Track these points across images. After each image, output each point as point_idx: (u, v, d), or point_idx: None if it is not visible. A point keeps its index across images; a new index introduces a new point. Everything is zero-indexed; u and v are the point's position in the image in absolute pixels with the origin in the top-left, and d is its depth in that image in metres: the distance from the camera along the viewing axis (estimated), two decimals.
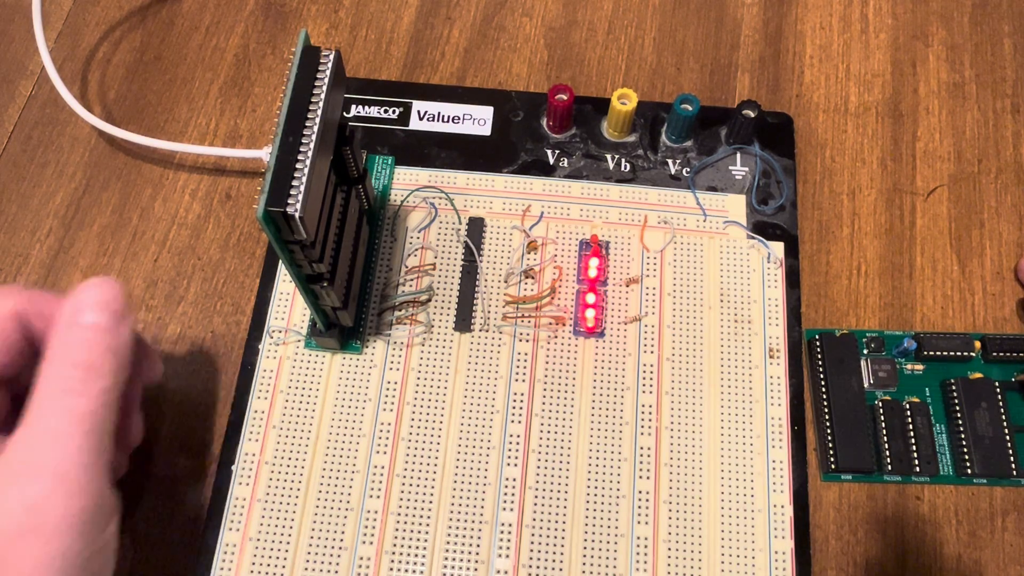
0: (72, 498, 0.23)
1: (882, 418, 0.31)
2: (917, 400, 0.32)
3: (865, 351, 0.33)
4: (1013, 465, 0.30)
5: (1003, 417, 0.31)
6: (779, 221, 0.35)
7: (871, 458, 0.30)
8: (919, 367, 0.32)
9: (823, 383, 0.32)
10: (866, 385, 0.32)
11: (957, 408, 0.31)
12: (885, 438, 0.31)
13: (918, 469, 0.31)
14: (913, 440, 0.31)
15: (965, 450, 0.31)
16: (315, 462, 0.30)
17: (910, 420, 0.31)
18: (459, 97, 0.37)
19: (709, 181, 0.36)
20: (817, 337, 0.33)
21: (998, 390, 0.31)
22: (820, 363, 0.32)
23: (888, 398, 0.32)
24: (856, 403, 0.31)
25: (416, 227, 0.34)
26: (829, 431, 0.31)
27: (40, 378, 0.24)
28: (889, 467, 0.31)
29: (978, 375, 0.32)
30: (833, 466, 0.31)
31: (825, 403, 0.31)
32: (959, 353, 0.32)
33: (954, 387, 0.31)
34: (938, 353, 0.32)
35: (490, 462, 0.31)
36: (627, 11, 0.40)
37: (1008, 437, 0.31)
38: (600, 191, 0.35)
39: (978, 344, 0.32)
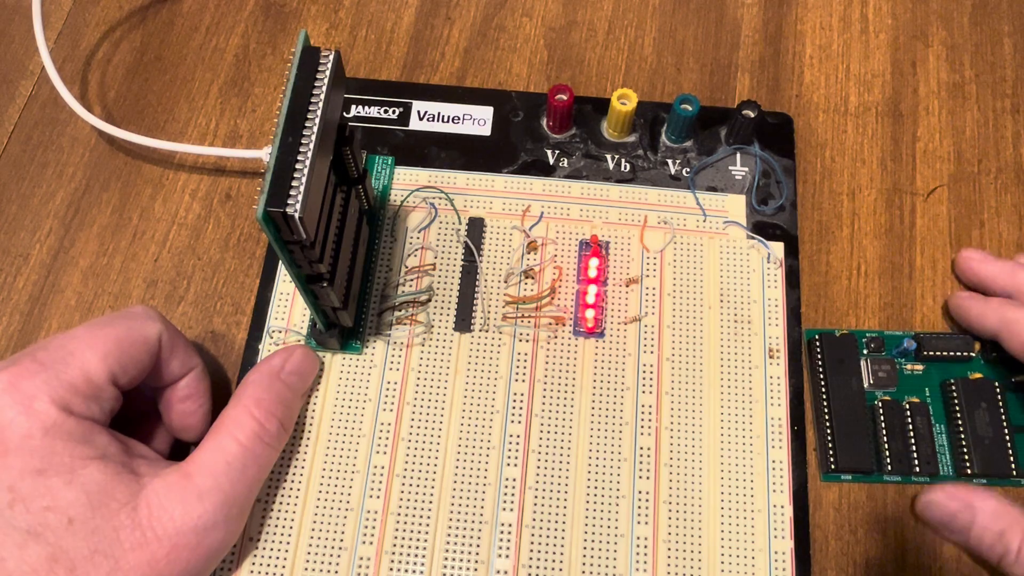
0: (229, 533, 0.26)
1: (882, 418, 0.31)
2: (917, 400, 0.32)
3: (865, 351, 0.33)
4: (1013, 465, 0.30)
5: (1003, 417, 0.31)
6: (779, 221, 0.35)
7: (871, 458, 0.30)
8: (919, 367, 0.33)
9: (823, 383, 0.32)
10: (866, 385, 0.32)
11: (957, 408, 0.31)
12: (885, 438, 0.31)
13: (918, 469, 0.31)
14: (913, 440, 0.31)
15: (965, 450, 0.31)
16: (315, 462, 0.30)
17: (910, 420, 0.31)
18: (459, 97, 0.37)
19: (709, 181, 0.36)
20: (817, 337, 0.33)
21: (998, 390, 0.31)
22: (820, 363, 0.32)
23: (888, 398, 0.32)
24: (856, 403, 0.31)
25: (416, 227, 0.34)
26: (829, 431, 0.31)
27: (233, 413, 0.27)
28: (889, 467, 0.31)
29: (978, 375, 0.32)
30: (833, 466, 0.31)
31: (825, 403, 0.31)
32: (959, 353, 0.32)
33: (954, 387, 0.31)
34: (938, 353, 0.32)
35: (490, 462, 0.31)
36: (627, 11, 0.40)
37: (1008, 437, 0.31)
38: (600, 191, 0.35)
39: (978, 344, 0.32)
